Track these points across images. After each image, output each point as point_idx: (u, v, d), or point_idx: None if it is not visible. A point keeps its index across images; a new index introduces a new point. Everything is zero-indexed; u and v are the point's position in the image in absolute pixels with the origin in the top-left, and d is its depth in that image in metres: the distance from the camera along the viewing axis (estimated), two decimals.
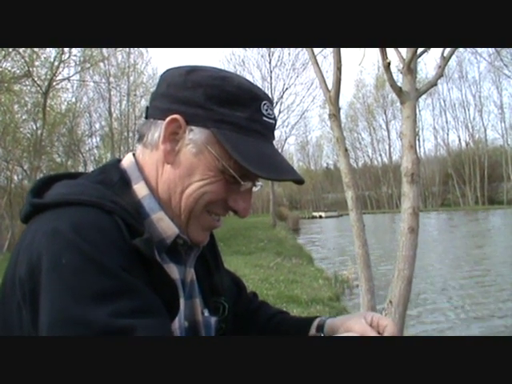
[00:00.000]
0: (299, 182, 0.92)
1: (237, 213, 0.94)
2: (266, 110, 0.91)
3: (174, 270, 0.92)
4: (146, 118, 0.94)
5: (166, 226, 0.90)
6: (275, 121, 0.95)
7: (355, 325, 0.96)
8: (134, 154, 0.96)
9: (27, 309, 0.73)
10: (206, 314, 1.02)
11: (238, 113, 0.88)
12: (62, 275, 0.71)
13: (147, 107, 0.95)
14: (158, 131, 0.90)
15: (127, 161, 0.95)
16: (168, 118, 0.88)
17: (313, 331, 1.06)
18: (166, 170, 0.91)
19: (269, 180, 0.93)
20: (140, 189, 0.91)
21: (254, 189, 0.96)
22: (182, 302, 0.91)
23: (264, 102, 0.91)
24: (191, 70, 0.90)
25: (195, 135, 0.88)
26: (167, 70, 0.95)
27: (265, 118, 0.91)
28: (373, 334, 0.93)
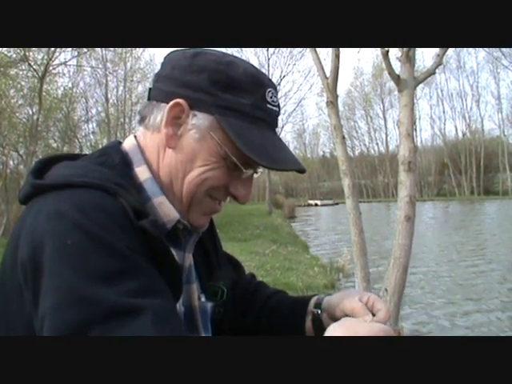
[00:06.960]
0: (301, 171, 0.91)
1: (237, 199, 0.94)
2: (271, 98, 0.90)
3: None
4: (149, 99, 0.93)
5: (167, 210, 0.89)
6: (279, 108, 0.94)
7: (349, 303, 0.94)
8: (135, 136, 0.95)
9: (29, 290, 0.72)
10: (203, 299, 1.02)
11: (242, 99, 0.87)
12: (68, 256, 0.70)
13: (150, 88, 0.93)
14: (160, 114, 0.89)
15: (129, 143, 0.94)
16: (171, 102, 0.87)
17: (310, 308, 1.05)
18: (168, 154, 0.90)
19: (271, 169, 0.92)
20: (141, 172, 0.90)
21: (255, 175, 0.95)
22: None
23: (269, 89, 0.90)
24: (197, 54, 0.89)
25: (198, 120, 0.87)
26: (173, 52, 0.94)
27: (269, 106, 0.90)
28: (363, 310, 0.91)
